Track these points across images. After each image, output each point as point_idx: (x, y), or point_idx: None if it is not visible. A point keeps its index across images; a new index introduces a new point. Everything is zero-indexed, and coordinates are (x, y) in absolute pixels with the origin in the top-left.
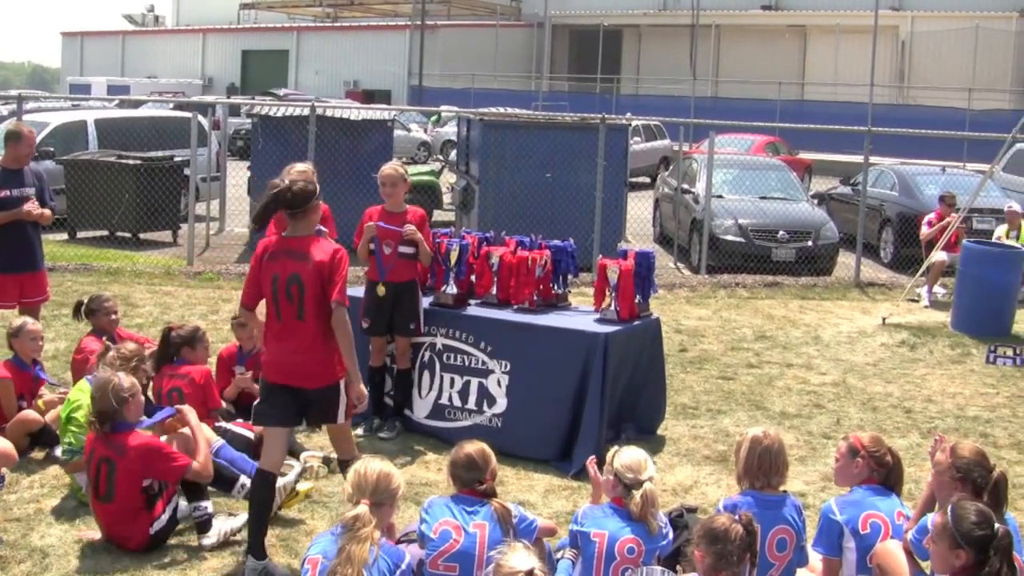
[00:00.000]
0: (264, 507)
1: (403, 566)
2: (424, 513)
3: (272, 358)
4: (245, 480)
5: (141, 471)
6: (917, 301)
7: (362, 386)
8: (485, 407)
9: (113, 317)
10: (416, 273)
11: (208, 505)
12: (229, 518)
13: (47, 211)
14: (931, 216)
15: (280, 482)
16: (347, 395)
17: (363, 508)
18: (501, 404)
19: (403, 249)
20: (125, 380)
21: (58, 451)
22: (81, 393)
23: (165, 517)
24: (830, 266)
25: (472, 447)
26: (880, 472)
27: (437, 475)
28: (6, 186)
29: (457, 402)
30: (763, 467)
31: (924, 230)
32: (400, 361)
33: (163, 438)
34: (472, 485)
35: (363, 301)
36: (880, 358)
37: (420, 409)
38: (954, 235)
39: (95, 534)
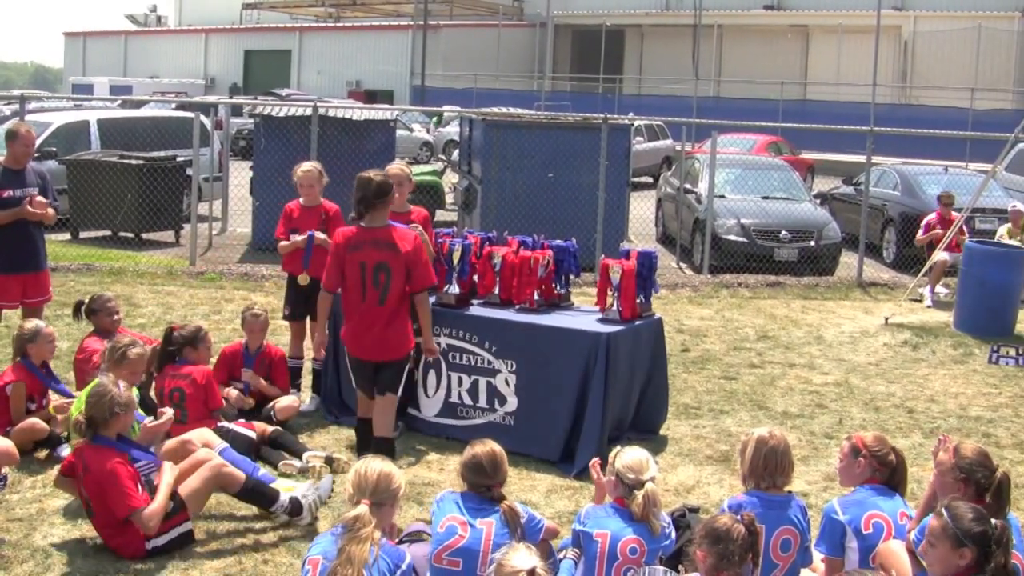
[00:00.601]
0: (364, 444)
1: (403, 566)
2: (435, 506)
3: (355, 336)
4: (285, 499)
5: (96, 494)
6: (920, 301)
7: (434, 343)
8: (496, 405)
9: (115, 317)
10: None
11: (284, 496)
12: (313, 489)
13: (50, 210)
14: (931, 217)
15: (308, 500)
16: (425, 349)
17: (363, 508)
18: (512, 403)
19: None
20: (124, 394)
21: (63, 451)
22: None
23: (167, 539)
24: (832, 266)
25: (484, 451)
26: (883, 472)
27: (439, 475)
28: (8, 186)
29: (468, 400)
30: (768, 467)
31: (919, 235)
32: None
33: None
34: (479, 490)
35: None
36: (882, 358)
37: (429, 408)
38: (954, 238)
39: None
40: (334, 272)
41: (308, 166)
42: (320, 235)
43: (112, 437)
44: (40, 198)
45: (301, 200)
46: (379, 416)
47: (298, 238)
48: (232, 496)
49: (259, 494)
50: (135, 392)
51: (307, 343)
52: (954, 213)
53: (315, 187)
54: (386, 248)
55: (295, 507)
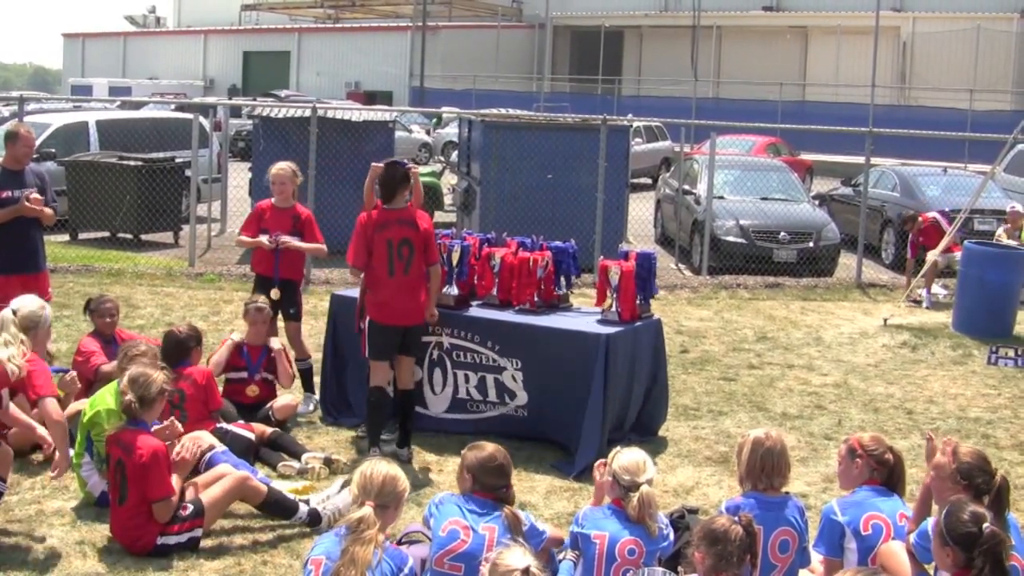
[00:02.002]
0: (378, 410)
1: (406, 569)
2: (435, 508)
3: (383, 304)
4: (303, 511)
5: (137, 477)
6: (920, 303)
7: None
8: (507, 399)
9: (108, 320)
10: None
11: (303, 508)
12: (330, 499)
13: (48, 210)
14: (925, 224)
15: (329, 509)
16: (428, 313)
17: (368, 510)
18: (522, 397)
19: None
20: (163, 379)
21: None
22: (109, 396)
23: (176, 540)
24: (831, 267)
25: (498, 450)
26: (881, 471)
27: (439, 476)
28: (7, 187)
29: (477, 396)
30: (765, 469)
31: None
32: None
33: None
34: (495, 491)
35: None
36: (881, 359)
37: (436, 405)
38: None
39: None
40: (362, 250)
41: (282, 165)
42: (286, 238)
43: (149, 423)
44: (36, 195)
45: (273, 200)
46: (405, 373)
47: (264, 239)
48: (253, 507)
49: (281, 506)
50: None
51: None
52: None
53: (287, 186)
54: (409, 226)
55: (314, 518)
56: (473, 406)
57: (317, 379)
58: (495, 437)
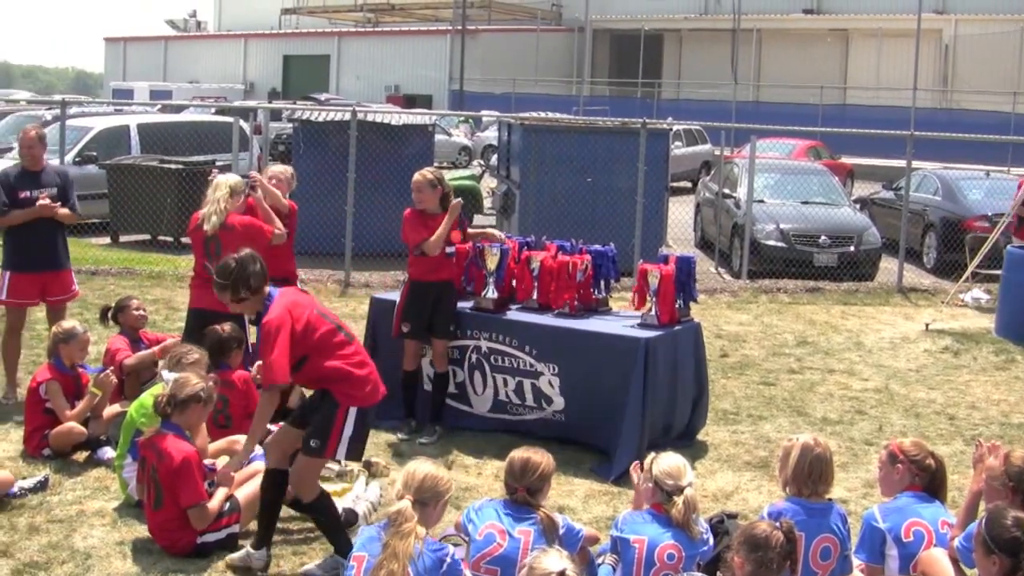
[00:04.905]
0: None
1: (448, 559)
2: (473, 513)
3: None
4: (339, 509)
5: (169, 483)
6: (965, 306)
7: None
8: (544, 404)
9: (137, 313)
10: (455, 273)
11: (339, 508)
12: (364, 497)
13: (65, 210)
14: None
15: (363, 505)
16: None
17: (406, 503)
18: (559, 402)
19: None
20: (201, 386)
21: (106, 453)
22: (149, 397)
23: (215, 537)
24: (872, 271)
25: (537, 456)
26: (923, 477)
27: (477, 479)
28: (25, 187)
29: (516, 400)
30: (813, 475)
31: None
32: (438, 364)
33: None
34: (512, 492)
35: (402, 304)
36: (923, 364)
37: (481, 404)
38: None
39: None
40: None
41: (281, 167)
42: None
43: (184, 427)
44: (46, 199)
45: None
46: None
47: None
48: (287, 506)
49: None
50: None
51: None
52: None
53: (281, 188)
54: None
55: (350, 516)
56: (513, 409)
57: None
58: (537, 439)
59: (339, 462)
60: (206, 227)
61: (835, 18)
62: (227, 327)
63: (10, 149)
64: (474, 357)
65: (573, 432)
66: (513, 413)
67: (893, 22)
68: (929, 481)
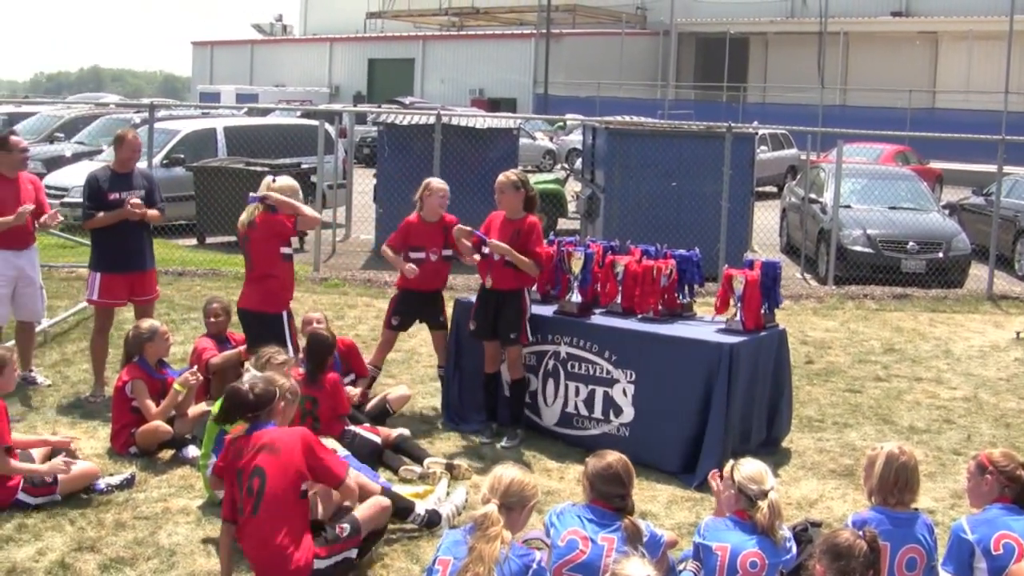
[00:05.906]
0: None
1: (534, 566)
2: (555, 518)
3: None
4: (421, 510)
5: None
6: None
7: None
8: (612, 416)
9: (212, 320)
10: (519, 282)
11: (420, 507)
12: (449, 499)
13: (154, 211)
14: None
15: (447, 507)
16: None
17: (492, 507)
18: (628, 414)
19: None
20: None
21: (191, 452)
22: None
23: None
24: (962, 278)
25: (617, 460)
26: (1013, 488)
27: (559, 484)
28: (114, 189)
29: (584, 411)
30: (899, 483)
31: None
32: (512, 371)
33: None
34: (611, 500)
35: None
36: (1014, 373)
37: (548, 416)
38: None
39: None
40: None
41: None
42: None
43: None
44: (136, 200)
45: (422, 214)
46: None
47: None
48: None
49: (397, 507)
50: None
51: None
52: None
53: (443, 203)
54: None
55: (433, 517)
56: (578, 421)
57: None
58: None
59: (422, 464)
60: (239, 227)
61: (924, 20)
62: (327, 331)
63: (100, 151)
64: (551, 364)
65: (633, 448)
66: (578, 427)
67: (984, 24)
68: (1019, 493)
